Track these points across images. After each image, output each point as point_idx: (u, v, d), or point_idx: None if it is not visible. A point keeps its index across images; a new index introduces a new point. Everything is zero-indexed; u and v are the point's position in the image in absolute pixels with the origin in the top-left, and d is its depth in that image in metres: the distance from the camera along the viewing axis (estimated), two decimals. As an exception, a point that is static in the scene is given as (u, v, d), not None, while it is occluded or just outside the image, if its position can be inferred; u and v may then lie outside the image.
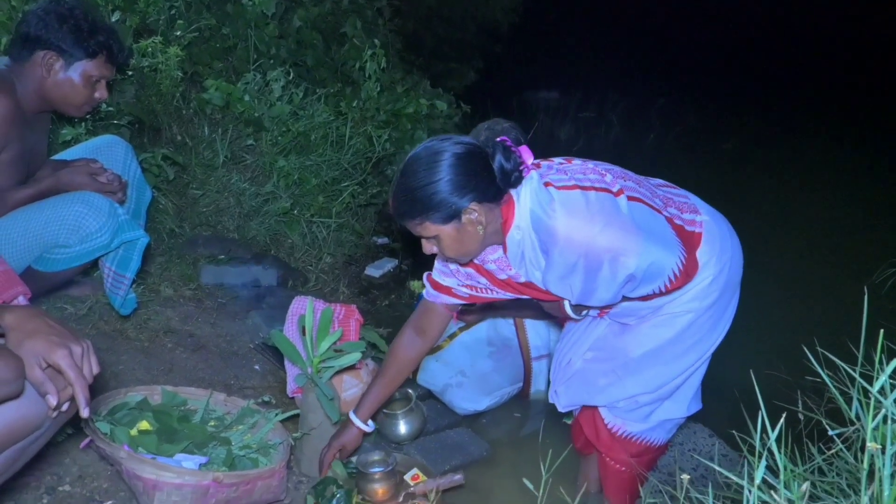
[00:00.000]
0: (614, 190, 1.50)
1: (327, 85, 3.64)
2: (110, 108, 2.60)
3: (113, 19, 2.77)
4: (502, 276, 1.62)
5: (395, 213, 1.51)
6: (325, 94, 3.44)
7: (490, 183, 1.45)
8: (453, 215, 1.45)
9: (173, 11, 3.14)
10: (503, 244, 1.54)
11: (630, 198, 1.51)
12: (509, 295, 1.67)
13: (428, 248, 1.54)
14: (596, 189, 1.48)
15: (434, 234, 1.49)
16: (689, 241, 1.59)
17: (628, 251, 1.45)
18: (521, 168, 1.48)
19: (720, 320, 1.68)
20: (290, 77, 3.31)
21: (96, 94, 1.97)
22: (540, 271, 1.54)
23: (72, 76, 1.91)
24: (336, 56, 3.94)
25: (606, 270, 1.47)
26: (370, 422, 1.83)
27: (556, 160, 1.61)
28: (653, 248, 1.47)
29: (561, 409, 1.86)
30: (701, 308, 1.63)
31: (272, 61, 3.45)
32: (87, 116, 2.25)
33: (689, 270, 1.56)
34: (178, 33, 3.09)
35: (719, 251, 1.62)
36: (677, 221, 1.59)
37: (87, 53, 1.90)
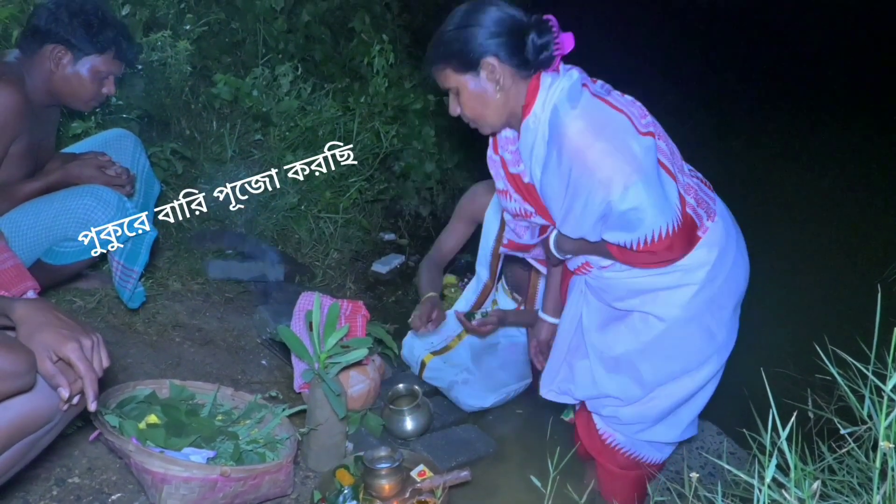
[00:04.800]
0: (643, 131, 1.47)
1: (335, 80, 3.64)
2: (119, 102, 2.60)
3: (122, 13, 2.77)
4: (513, 171, 1.61)
5: (426, 60, 1.55)
6: (333, 90, 3.44)
7: (517, 49, 1.46)
8: (472, 64, 1.48)
9: (182, 5, 3.13)
10: (518, 132, 1.55)
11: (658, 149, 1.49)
12: (515, 203, 1.64)
13: (453, 107, 1.57)
14: (626, 116, 1.46)
15: (454, 84, 1.52)
16: (688, 231, 1.54)
17: (615, 179, 1.41)
18: (553, 48, 1.47)
19: (703, 343, 1.63)
20: (299, 72, 3.30)
21: (104, 90, 1.97)
22: (540, 169, 1.52)
23: (80, 71, 1.90)
24: (344, 51, 3.93)
25: (590, 187, 1.44)
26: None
27: (616, 91, 1.58)
28: (644, 192, 1.43)
29: (542, 394, 1.86)
30: (676, 319, 1.59)
31: (280, 56, 3.44)
32: (97, 110, 2.25)
33: (671, 245, 1.50)
34: (188, 27, 3.09)
35: (711, 268, 1.57)
36: (688, 209, 1.55)
37: (96, 49, 1.90)
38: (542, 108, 1.48)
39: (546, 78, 1.49)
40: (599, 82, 1.59)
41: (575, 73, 1.50)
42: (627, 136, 1.44)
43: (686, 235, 1.54)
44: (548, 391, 1.85)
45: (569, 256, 1.70)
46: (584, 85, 1.49)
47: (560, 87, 1.47)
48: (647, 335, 1.63)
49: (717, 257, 1.58)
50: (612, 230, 1.50)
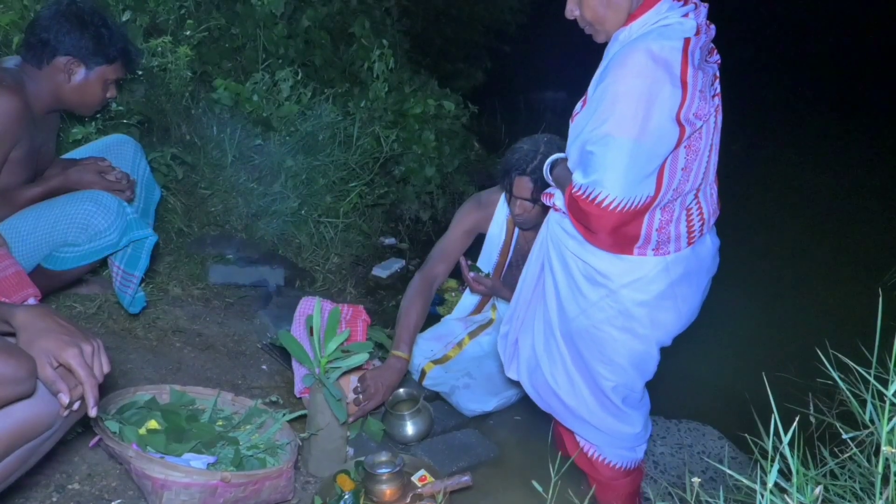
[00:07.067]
0: (682, 121, 1.37)
1: (335, 85, 3.65)
2: (120, 108, 2.61)
3: (123, 19, 2.78)
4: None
5: None
6: (333, 94, 3.45)
7: None
8: None
9: (183, 11, 3.14)
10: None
11: (687, 147, 1.42)
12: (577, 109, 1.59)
13: (570, 8, 1.50)
14: (683, 96, 1.36)
15: None
16: (626, 231, 1.46)
17: (611, 120, 1.35)
18: None
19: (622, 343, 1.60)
20: (299, 77, 3.31)
21: (108, 94, 2.00)
22: (598, 79, 1.47)
23: (91, 81, 1.93)
24: (344, 56, 3.94)
25: (597, 106, 1.39)
26: None
27: (717, 82, 1.50)
28: (622, 153, 1.34)
29: (507, 373, 1.86)
30: (597, 319, 1.57)
31: (280, 61, 3.45)
32: (97, 115, 2.26)
33: (601, 219, 1.41)
34: (188, 33, 3.09)
35: (630, 283, 1.51)
36: (647, 217, 1.45)
37: (107, 59, 1.93)
38: (640, 26, 1.40)
39: (665, 3, 1.41)
40: (715, 56, 1.50)
41: (691, 22, 1.39)
42: (662, 107, 1.34)
43: (620, 231, 1.45)
44: (507, 371, 1.85)
45: (552, 185, 1.65)
46: (687, 39, 1.37)
47: (668, 20, 1.39)
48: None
49: (639, 281, 1.53)
50: (579, 162, 1.46)
